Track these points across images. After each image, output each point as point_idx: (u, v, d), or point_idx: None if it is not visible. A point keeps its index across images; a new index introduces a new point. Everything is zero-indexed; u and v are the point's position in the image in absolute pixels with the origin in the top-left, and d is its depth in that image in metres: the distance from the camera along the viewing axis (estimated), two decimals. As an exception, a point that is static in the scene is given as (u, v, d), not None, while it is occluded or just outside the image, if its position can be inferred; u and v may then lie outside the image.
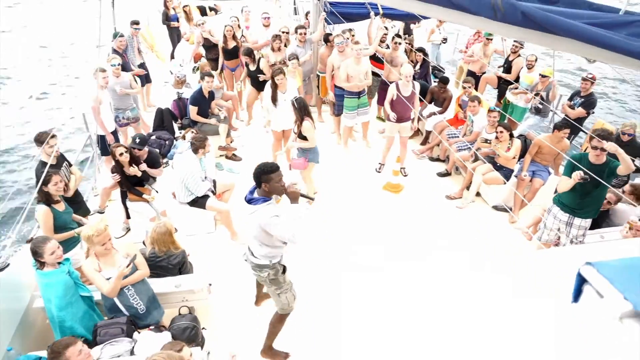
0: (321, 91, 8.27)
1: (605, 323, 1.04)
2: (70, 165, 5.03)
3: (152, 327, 3.69)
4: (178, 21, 10.26)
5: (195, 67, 9.03)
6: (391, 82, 6.47)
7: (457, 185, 6.58)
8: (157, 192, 5.55)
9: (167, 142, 6.62)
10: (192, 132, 6.53)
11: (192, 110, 6.79)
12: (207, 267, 4.69)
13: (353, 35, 7.47)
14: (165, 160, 6.43)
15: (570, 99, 7.01)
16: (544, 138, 5.87)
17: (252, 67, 7.46)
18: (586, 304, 1.14)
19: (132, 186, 5.30)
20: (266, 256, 3.57)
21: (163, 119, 6.98)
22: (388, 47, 7.78)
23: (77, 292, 3.61)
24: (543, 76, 7.04)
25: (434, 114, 7.38)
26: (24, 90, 13.11)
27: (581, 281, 1.15)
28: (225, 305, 4.49)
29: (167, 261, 4.17)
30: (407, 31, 10.16)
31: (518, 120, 7.35)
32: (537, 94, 7.07)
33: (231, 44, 8.01)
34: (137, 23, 8.04)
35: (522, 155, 6.11)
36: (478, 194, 6.33)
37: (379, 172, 6.84)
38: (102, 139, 6.27)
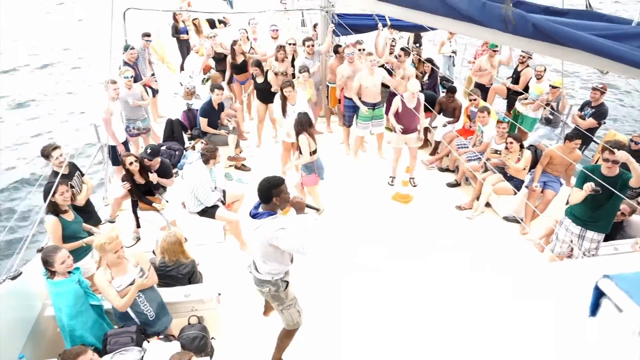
0: (330, 102, 8.31)
1: (624, 338, 1.01)
2: (82, 174, 5.07)
3: (161, 337, 3.68)
4: (187, 34, 10.42)
5: (204, 78, 9.13)
6: (399, 94, 6.49)
7: (467, 195, 6.54)
8: (167, 201, 5.58)
9: (177, 153, 6.68)
10: (202, 142, 6.58)
11: (203, 122, 6.86)
12: (216, 277, 4.68)
13: (362, 49, 7.50)
14: (175, 170, 6.48)
15: (581, 109, 6.98)
16: (556, 148, 5.83)
17: (260, 80, 7.49)
18: (604, 318, 1.11)
19: (142, 195, 5.34)
20: (269, 272, 3.52)
21: (173, 130, 7.05)
22: (396, 58, 7.81)
23: (87, 301, 3.62)
24: (553, 87, 7.02)
25: (449, 123, 7.39)
26: (36, 100, 13.34)
27: (599, 294, 1.13)
28: (234, 315, 4.47)
29: (176, 271, 4.17)
30: (417, 40, 10.21)
31: (528, 131, 7.32)
32: (547, 104, 7.05)
33: (240, 59, 8.09)
34: (148, 35, 8.18)
35: (533, 165, 6.07)
36: (488, 205, 6.29)
37: (392, 184, 6.81)
38: (113, 150, 6.33)
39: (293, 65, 7.67)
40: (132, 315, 3.69)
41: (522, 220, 5.87)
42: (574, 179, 6.19)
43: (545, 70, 7.58)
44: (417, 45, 10.03)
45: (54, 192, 4.06)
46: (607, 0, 23.84)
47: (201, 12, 11.18)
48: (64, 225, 4.16)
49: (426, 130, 7.17)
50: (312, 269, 4.77)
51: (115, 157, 6.35)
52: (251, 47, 8.55)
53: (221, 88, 6.86)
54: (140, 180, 5.29)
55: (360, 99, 6.95)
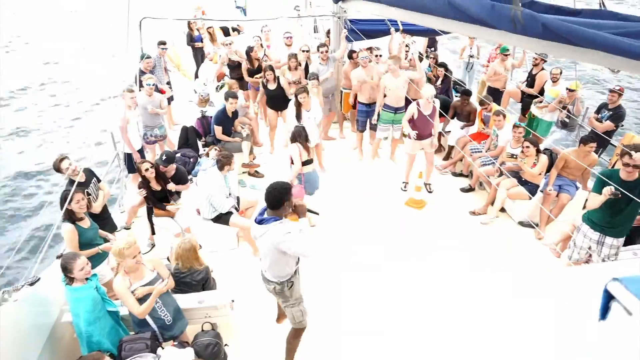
0: (343, 107, 8.32)
1: (634, 341, 1.00)
2: (99, 181, 5.16)
3: (175, 343, 3.72)
4: (202, 42, 10.55)
5: (218, 85, 9.22)
6: (413, 100, 6.47)
7: (481, 200, 6.47)
8: (180, 206, 5.64)
9: (191, 160, 6.75)
10: (216, 149, 6.65)
11: (217, 130, 6.92)
12: (230, 284, 4.71)
13: (379, 56, 7.45)
14: (189, 177, 6.54)
15: (597, 111, 6.86)
16: (570, 152, 5.73)
17: (272, 86, 7.46)
18: (614, 321, 1.10)
19: (157, 201, 5.41)
20: (276, 276, 3.60)
21: (188, 137, 7.13)
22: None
23: (105, 307, 3.69)
24: (570, 90, 6.92)
25: (466, 126, 7.34)
26: (54, 109, 13.66)
27: (608, 298, 1.11)
28: (247, 322, 4.49)
29: (190, 277, 4.21)
30: (432, 45, 10.17)
31: (543, 135, 7.22)
32: (564, 107, 6.95)
33: (256, 64, 8.15)
34: (164, 43, 8.33)
35: (549, 169, 5.98)
36: (503, 210, 6.21)
37: (405, 190, 6.79)
38: (129, 157, 6.44)
39: (307, 72, 7.69)
40: (150, 321, 3.74)
41: (537, 225, 5.78)
42: (590, 182, 6.09)
43: (561, 73, 7.48)
44: (432, 49, 9.99)
45: (70, 200, 4.13)
46: (627, 2, 23.46)
47: (215, 20, 11.32)
48: (80, 232, 4.24)
49: (439, 134, 7.12)
50: (321, 272, 4.78)
51: (130, 165, 6.45)
52: (265, 54, 8.61)
53: (235, 97, 6.93)
54: (156, 187, 5.36)
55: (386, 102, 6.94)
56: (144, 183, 5.31)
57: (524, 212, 5.96)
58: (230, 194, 5.51)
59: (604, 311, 1.13)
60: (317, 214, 3.70)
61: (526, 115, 8.14)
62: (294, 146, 5.55)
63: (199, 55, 10.60)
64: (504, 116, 6.55)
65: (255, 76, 8.13)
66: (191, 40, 10.40)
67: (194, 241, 4.30)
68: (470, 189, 6.86)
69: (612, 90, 6.65)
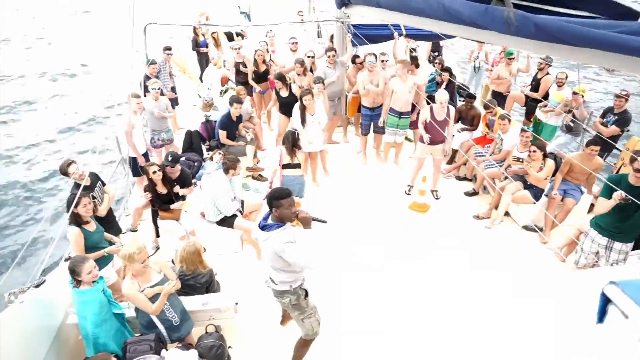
0: (348, 111, 8.34)
1: (630, 344, 1.00)
2: (104, 184, 5.19)
3: (179, 345, 3.72)
4: (207, 47, 10.63)
5: (222, 90, 9.28)
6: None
7: (485, 204, 6.46)
8: (185, 211, 5.67)
9: (195, 164, 6.79)
10: (220, 153, 6.68)
11: (222, 135, 6.96)
12: (233, 286, 4.72)
13: (386, 61, 7.48)
14: (193, 181, 6.57)
15: (603, 116, 6.84)
16: (575, 156, 5.72)
17: (284, 93, 7.41)
18: (611, 324, 1.10)
19: (163, 204, 5.43)
20: (285, 282, 3.50)
21: (192, 141, 7.18)
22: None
23: (111, 309, 3.72)
24: (575, 93, 6.91)
25: (465, 130, 7.33)
26: (59, 113, 13.77)
27: (605, 301, 1.11)
28: (251, 325, 4.50)
29: (194, 280, 4.22)
30: (436, 49, 10.19)
31: (548, 139, 7.20)
32: (569, 111, 6.94)
33: (262, 68, 8.20)
34: (169, 49, 8.39)
35: (554, 174, 5.96)
36: (507, 214, 6.20)
37: (409, 194, 6.79)
38: (133, 161, 6.48)
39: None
40: (157, 323, 3.75)
41: (542, 229, 5.76)
42: (596, 187, 6.07)
43: (566, 77, 7.47)
44: (437, 54, 10.01)
45: (77, 204, 4.16)
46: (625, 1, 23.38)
47: (219, 26, 11.42)
48: (86, 235, 4.26)
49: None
50: (322, 272, 4.79)
51: (135, 168, 6.49)
52: (270, 59, 8.66)
53: (240, 102, 6.96)
54: (162, 190, 5.37)
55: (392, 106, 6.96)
56: (150, 186, 5.33)
57: (529, 216, 5.95)
58: (235, 197, 5.53)
59: (602, 314, 1.13)
60: (325, 222, 3.68)
61: (531, 119, 8.13)
62: (278, 148, 5.63)
63: (204, 60, 10.69)
64: (509, 120, 6.54)
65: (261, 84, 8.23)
66: (196, 45, 10.49)
67: (199, 244, 4.32)
68: (474, 193, 6.85)
69: (619, 95, 6.64)
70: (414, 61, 7.31)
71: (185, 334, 3.89)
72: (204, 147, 7.36)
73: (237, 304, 4.27)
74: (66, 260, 4.08)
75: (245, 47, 8.98)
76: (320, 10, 12.62)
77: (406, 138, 8.33)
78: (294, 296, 3.55)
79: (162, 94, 7.12)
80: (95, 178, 5.04)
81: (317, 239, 5.47)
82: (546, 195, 5.92)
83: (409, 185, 6.86)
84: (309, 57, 7.98)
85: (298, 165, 6.05)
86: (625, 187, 4.12)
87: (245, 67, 8.44)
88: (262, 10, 14.32)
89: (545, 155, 5.83)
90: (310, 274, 3.74)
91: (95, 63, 18.36)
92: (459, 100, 8.27)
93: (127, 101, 6.37)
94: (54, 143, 12.01)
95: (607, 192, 4.24)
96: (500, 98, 8.29)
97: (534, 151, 5.75)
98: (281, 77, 7.36)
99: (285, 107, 7.47)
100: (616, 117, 6.57)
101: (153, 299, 3.63)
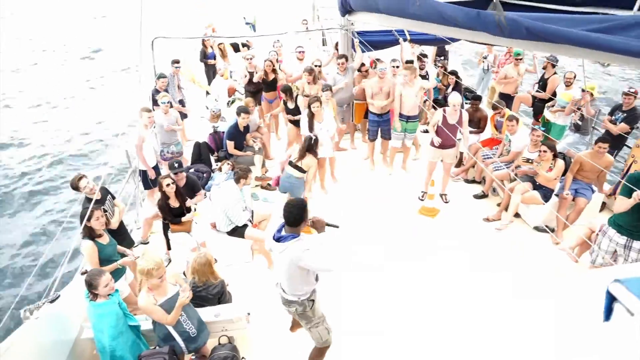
0: (355, 118, 8.36)
1: (636, 342, 1.00)
2: (114, 198, 5.26)
3: (193, 357, 3.75)
4: (215, 59, 10.76)
5: (229, 100, 9.36)
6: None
7: (495, 207, 6.43)
8: (196, 223, 5.71)
9: (204, 175, 6.85)
10: (228, 164, 6.74)
11: (229, 145, 7.02)
12: (245, 297, 4.74)
13: (397, 66, 7.51)
14: (203, 192, 6.63)
15: (611, 113, 6.77)
16: (585, 155, 5.67)
17: (291, 105, 7.48)
18: (617, 322, 1.10)
19: (174, 217, 5.48)
20: (294, 294, 3.55)
21: (200, 152, 7.25)
22: (427, 74, 7.81)
23: (126, 322, 3.76)
24: (584, 91, 6.86)
25: (472, 133, 7.31)
26: (71, 126, 14.00)
27: (611, 299, 1.12)
28: (264, 335, 4.50)
29: (206, 291, 4.25)
30: (441, 53, 10.20)
31: (557, 139, 7.15)
32: (578, 109, 6.89)
33: (271, 77, 8.27)
34: (177, 62, 8.53)
35: (564, 173, 5.91)
36: (518, 215, 6.15)
37: (422, 200, 6.73)
38: (144, 174, 6.56)
39: None
40: (176, 335, 3.76)
41: (554, 229, 5.71)
42: (607, 185, 6.00)
43: (575, 77, 7.42)
44: (442, 58, 10.02)
45: (89, 218, 4.22)
46: None
47: (225, 37, 11.54)
48: (99, 248, 4.31)
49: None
50: (322, 272, 4.80)
51: (145, 181, 6.57)
52: (279, 68, 8.72)
53: (248, 112, 7.02)
54: (174, 204, 5.41)
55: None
56: (163, 199, 5.39)
57: (540, 217, 5.90)
58: (246, 207, 5.56)
59: (608, 312, 1.14)
60: (337, 227, 3.70)
61: (539, 120, 8.08)
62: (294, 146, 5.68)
63: (211, 72, 10.80)
64: (517, 121, 6.51)
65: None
66: (205, 57, 10.61)
67: (210, 256, 4.35)
68: (483, 196, 6.81)
69: (627, 92, 6.58)
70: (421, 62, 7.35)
71: (202, 344, 3.90)
72: (212, 159, 7.43)
73: (249, 314, 4.29)
74: (82, 274, 4.13)
75: (256, 56, 9.06)
76: (324, 18, 12.69)
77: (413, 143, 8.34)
78: (301, 307, 3.59)
79: (171, 106, 7.22)
80: (105, 192, 5.11)
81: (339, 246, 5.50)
82: (557, 195, 5.87)
83: (422, 192, 6.80)
84: (316, 65, 8.03)
85: (300, 168, 6.06)
86: None
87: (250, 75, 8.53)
88: (267, 20, 14.45)
89: (555, 155, 5.78)
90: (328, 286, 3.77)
91: (103, 76, 18.65)
92: (465, 103, 8.25)
93: (139, 115, 6.46)
94: (62, 156, 12.20)
95: (627, 191, 4.19)
96: (507, 99, 8.27)
97: (544, 151, 5.71)
98: (287, 89, 7.42)
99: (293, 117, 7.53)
100: (625, 115, 6.51)
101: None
